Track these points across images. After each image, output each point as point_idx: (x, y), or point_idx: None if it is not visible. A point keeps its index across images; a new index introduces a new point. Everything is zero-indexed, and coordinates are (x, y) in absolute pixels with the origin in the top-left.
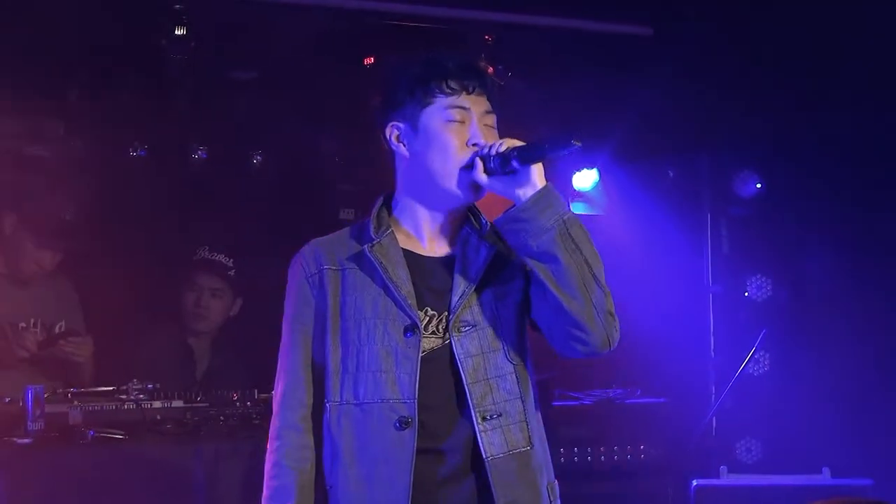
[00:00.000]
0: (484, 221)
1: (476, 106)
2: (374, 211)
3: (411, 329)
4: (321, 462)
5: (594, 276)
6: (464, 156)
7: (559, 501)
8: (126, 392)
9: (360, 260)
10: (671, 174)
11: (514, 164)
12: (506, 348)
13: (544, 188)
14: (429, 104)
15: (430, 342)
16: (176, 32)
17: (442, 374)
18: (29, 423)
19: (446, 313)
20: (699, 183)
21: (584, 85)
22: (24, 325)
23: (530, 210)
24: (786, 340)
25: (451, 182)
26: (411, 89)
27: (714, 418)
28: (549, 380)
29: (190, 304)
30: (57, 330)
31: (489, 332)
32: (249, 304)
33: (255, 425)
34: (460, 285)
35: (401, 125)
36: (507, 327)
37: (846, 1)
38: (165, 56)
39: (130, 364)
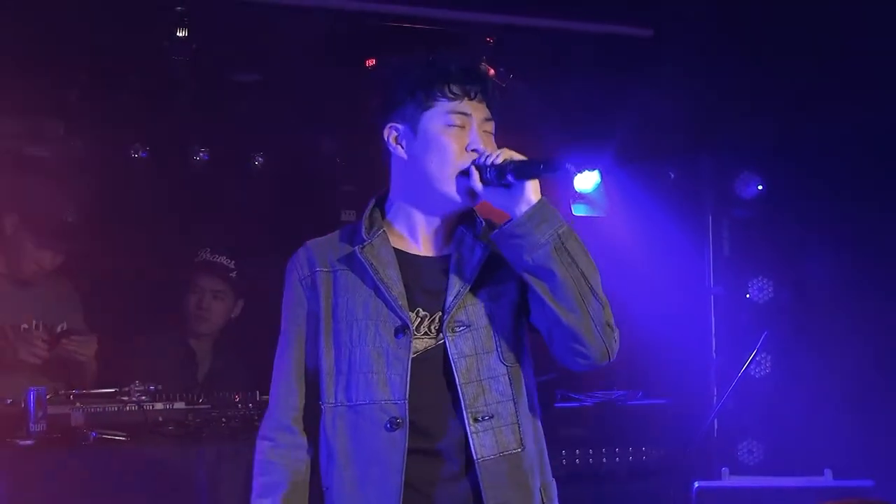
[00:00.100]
0: (479, 221)
1: (477, 112)
2: (366, 212)
3: (402, 330)
4: (317, 463)
5: (591, 288)
6: (462, 161)
7: (555, 503)
8: (128, 394)
9: (351, 261)
10: (672, 175)
11: (510, 177)
12: (500, 350)
13: (539, 203)
14: (430, 107)
15: (422, 343)
16: (178, 34)
17: (435, 374)
18: (31, 424)
19: (440, 313)
20: (700, 184)
21: (586, 86)
22: (25, 326)
23: (525, 225)
24: (787, 342)
25: (448, 186)
26: (412, 92)
27: (716, 420)
28: (551, 381)
29: (191, 305)
30: (58, 330)
31: (483, 332)
32: (251, 305)
33: (257, 427)
34: (455, 285)
35: (399, 127)
36: (501, 328)
37: (847, 1)
38: (167, 57)
39: (132, 366)
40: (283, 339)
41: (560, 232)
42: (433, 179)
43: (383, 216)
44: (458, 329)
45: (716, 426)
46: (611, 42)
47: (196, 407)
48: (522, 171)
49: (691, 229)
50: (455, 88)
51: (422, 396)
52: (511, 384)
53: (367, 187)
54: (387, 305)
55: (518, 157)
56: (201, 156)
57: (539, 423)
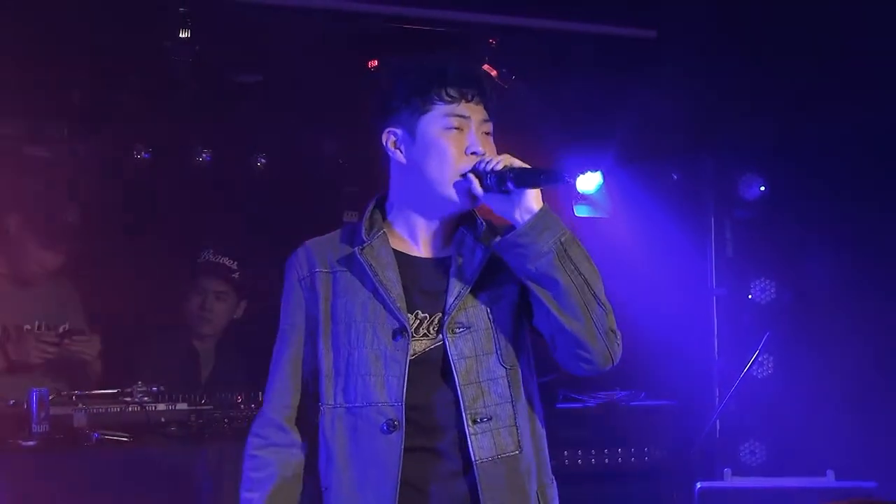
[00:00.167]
0: (480, 222)
1: (474, 114)
2: (367, 213)
3: (400, 332)
4: (316, 464)
5: (594, 295)
6: (462, 164)
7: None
8: (131, 395)
9: (350, 262)
10: (675, 177)
11: (510, 185)
12: (499, 352)
13: (541, 211)
14: (427, 112)
15: (420, 344)
16: (180, 35)
17: (434, 375)
18: (34, 425)
19: (439, 314)
20: (703, 185)
21: (588, 88)
22: (28, 326)
23: (528, 235)
24: (789, 343)
25: (448, 190)
26: (408, 97)
27: (718, 421)
28: (554, 382)
29: (194, 307)
30: (60, 331)
31: (483, 334)
32: (254, 306)
33: None
34: (455, 286)
35: (398, 131)
36: (501, 330)
37: (848, 1)
38: (169, 58)
39: (135, 367)
40: (281, 337)
41: (563, 240)
42: (433, 183)
43: (384, 217)
44: (458, 330)
45: (718, 427)
46: (612, 43)
47: (198, 408)
48: (522, 180)
49: (693, 230)
50: (451, 91)
51: (420, 397)
52: (510, 386)
53: (369, 188)
54: (385, 308)
55: (518, 163)
56: (203, 157)
57: (539, 425)
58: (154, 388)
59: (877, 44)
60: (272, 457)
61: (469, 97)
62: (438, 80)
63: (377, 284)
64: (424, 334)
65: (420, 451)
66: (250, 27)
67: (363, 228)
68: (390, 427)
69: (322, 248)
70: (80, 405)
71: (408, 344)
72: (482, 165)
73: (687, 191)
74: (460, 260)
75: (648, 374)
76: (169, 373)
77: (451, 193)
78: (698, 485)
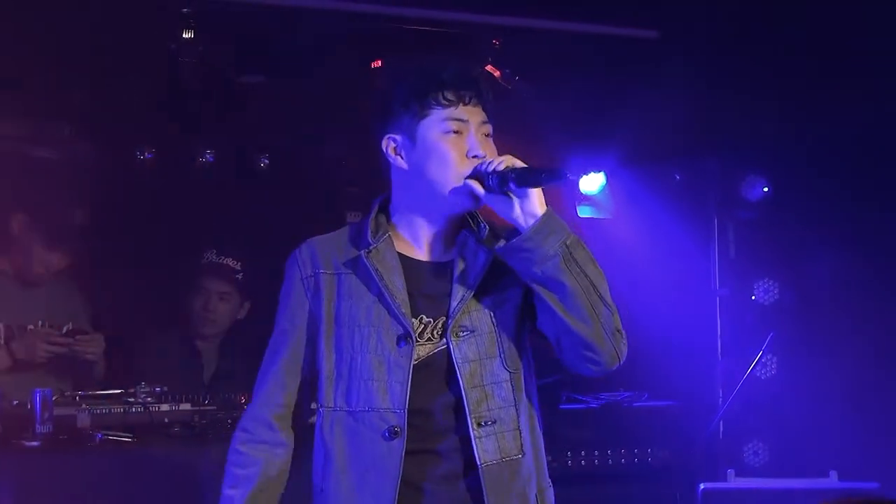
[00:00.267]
0: (483, 225)
1: (473, 116)
2: (372, 214)
3: (404, 338)
4: (311, 464)
5: (601, 296)
6: (463, 167)
7: None
8: (134, 395)
9: (355, 265)
10: (678, 177)
11: (512, 185)
12: (503, 355)
13: (545, 215)
14: (425, 116)
15: (424, 349)
16: (184, 36)
17: (438, 378)
18: (37, 425)
19: (443, 318)
20: (706, 186)
21: (591, 88)
22: (31, 326)
23: (533, 239)
24: (793, 344)
25: (450, 193)
26: (406, 102)
27: (721, 422)
28: (557, 383)
29: (198, 307)
30: (64, 331)
31: (487, 338)
32: (257, 307)
33: None
34: (459, 290)
35: (397, 137)
36: (505, 334)
37: (852, 2)
38: (173, 59)
39: (138, 367)
40: (279, 334)
41: (568, 243)
42: (435, 186)
43: (388, 219)
44: (462, 334)
45: (721, 427)
46: (615, 43)
47: (202, 408)
48: (524, 179)
49: (696, 231)
50: (449, 95)
51: (425, 400)
52: (513, 390)
53: (373, 189)
54: (390, 312)
55: (520, 164)
56: (207, 157)
57: (538, 428)
58: (157, 389)
59: (880, 44)
60: (257, 455)
61: (467, 100)
62: (435, 84)
63: (382, 289)
64: (428, 339)
65: (420, 454)
66: (254, 28)
67: (369, 231)
68: (392, 434)
69: (326, 249)
70: (84, 405)
71: (412, 350)
72: (483, 167)
73: (690, 191)
74: (463, 263)
75: (651, 374)
76: (172, 373)
77: (454, 196)
78: (701, 485)
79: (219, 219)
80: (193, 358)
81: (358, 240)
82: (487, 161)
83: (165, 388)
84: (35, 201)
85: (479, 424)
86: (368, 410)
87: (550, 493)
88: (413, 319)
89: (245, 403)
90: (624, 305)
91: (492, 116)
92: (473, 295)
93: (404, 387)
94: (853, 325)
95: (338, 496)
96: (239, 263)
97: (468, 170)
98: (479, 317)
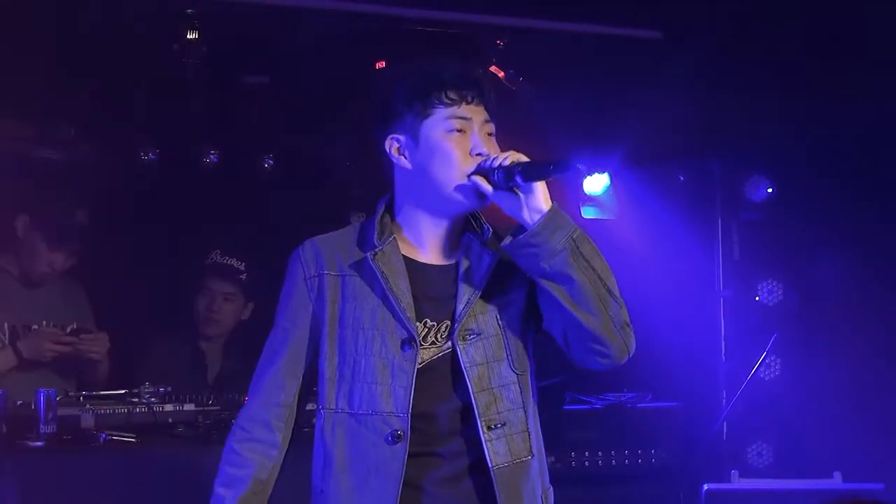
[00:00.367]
0: (486, 228)
1: (476, 115)
2: (377, 216)
3: (408, 342)
4: (311, 465)
5: (609, 290)
6: (467, 166)
7: None
8: (138, 395)
9: (360, 267)
10: (682, 178)
11: (518, 179)
12: (510, 358)
13: (551, 210)
14: (428, 115)
15: (428, 352)
16: (188, 36)
17: (442, 382)
18: (41, 426)
19: (448, 322)
20: (710, 187)
21: (595, 89)
22: (36, 326)
23: (540, 234)
24: (797, 345)
25: (455, 192)
26: (409, 102)
27: (725, 422)
28: (561, 383)
29: (202, 308)
30: (69, 330)
31: (494, 341)
32: (261, 308)
33: None
34: (465, 294)
35: (401, 138)
36: (511, 336)
37: (858, 3)
38: (177, 60)
39: (142, 367)
40: (280, 333)
41: (574, 237)
42: (439, 185)
43: (392, 220)
44: (469, 338)
45: (725, 428)
46: (620, 45)
47: (206, 409)
48: (531, 173)
49: (700, 232)
50: (451, 94)
51: (426, 405)
52: (521, 392)
53: (377, 190)
54: (394, 316)
55: (525, 159)
56: (211, 158)
57: (540, 429)
58: (161, 389)
59: (885, 45)
60: (252, 455)
61: (469, 99)
62: (437, 83)
63: (387, 292)
64: (432, 342)
65: (423, 457)
66: (258, 29)
67: (374, 232)
68: (395, 438)
69: (331, 249)
70: (88, 406)
71: (416, 354)
72: (488, 163)
73: (694, 192)
74: (467, 266)
75: (655, 375)
76: (176, 374)
77: (458, 194)
78: (705, 486)
79: (223, 219)
80: (197, 358)
81: (363, 241)
82: (492, 157)
83: (169, 389)
84: (39, 202)
85: (488, 428)
86: (371, 414)
87: (551, 494)
88: (417, 323)
89: None
90: (627, 306)
91: (494, 116)
92: (479, 298)
93: (408, 391)
94: (858, 325)
95: (338, 497)
96: (243, 264)
97: (472, 168)
98: (486, 320)
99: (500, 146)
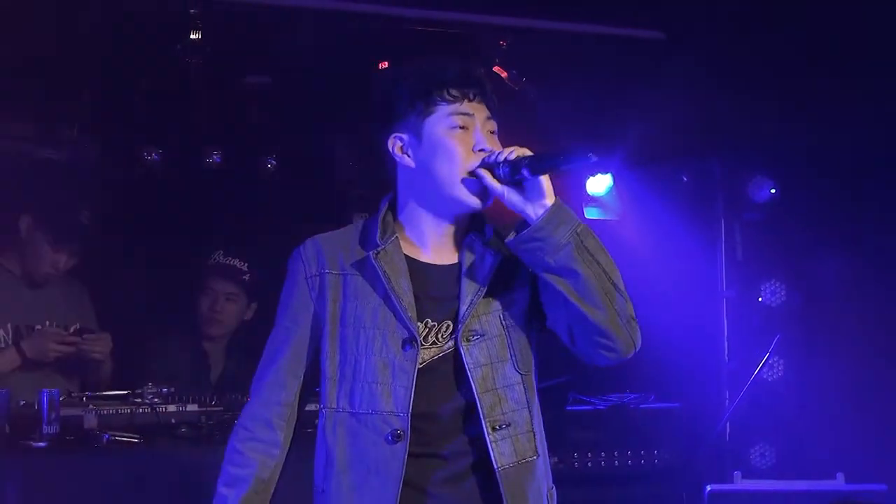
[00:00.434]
0: (488, 228)
1: (478, 112)
2: (380, 215)
3: (409, 342)
4: (312, 464)
5: (614, 284)
6: (470, 162)
7: None
8: (141, 396)
9: (362, 266)
10: (685, 179)
11: (525, 172)
12: (514, 358)
13: (555, 205)
14: (431, 113)
15: (429, 352)
16: (191, 37)
17: (445, 382)
18: (44, 426)
19: (449, 322)
20: (713, 188)
21: (598, 89)
22: (39, 326)
23: (545, 229)
24: (800, 346)
25: (458, 189)
26: (411, 100)
27: (728, 423)
28: (564, 384)
29: (205, 308)
30: (72, 330)
31: (497, 341)
32: (264, 308)
33: None
34: (468, 294)
35: (403, 136)
36: (515, 336)
37: (861, 3)
38: (180, 60)
39: (145, 368)
40: (281, 332)
41: (579, 231)
42: (443, 183)
43: (395, 219)
44: (472, 339)
45: (728, 429)
46: (623, 45)
47: (209, 409)
48: (540, 165)
49: (703, 232)
50: (453, 91)
51: (427, 405)
52: (525, 392)
53: (380, 190)
54: (396, 316)
55: (529, 153)
56: (214, 158)
57: (543, 428)
58: (164, 390)
59: (889, 46)
60: (255, 455)
61: (471, 96)
62: (439, 81)
63: (389, 292)
64: (433, 342)
65: (424, 457)
66: (261, 29)
67: (377, 231)
68: (395, 437)
69: (332, 248)
70: (91, 406)
71: (416, 354)
72: (493, 158)
73: (696, 193)
74: (470, 266)
75: (658, 376)
76: (179, 374)
77: (461, 192)
78: (708, 487)
79: (226, 220)
80: (200, 359)
81: (365, 240)
82: (497, 152)
83: (172, 389)
84: (42, 202)
85: (493, 428)
86: (372, 413)
87: (555, 493)
88: (418, 323)
89: None
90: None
91: (496, 114)
92: (482, 298)
93: (408, 391)
94: (860, 326)
95: (339, 497)
96: (246, 264)
97: (475, 164)
98: (489, 320)
99: (501, 145)
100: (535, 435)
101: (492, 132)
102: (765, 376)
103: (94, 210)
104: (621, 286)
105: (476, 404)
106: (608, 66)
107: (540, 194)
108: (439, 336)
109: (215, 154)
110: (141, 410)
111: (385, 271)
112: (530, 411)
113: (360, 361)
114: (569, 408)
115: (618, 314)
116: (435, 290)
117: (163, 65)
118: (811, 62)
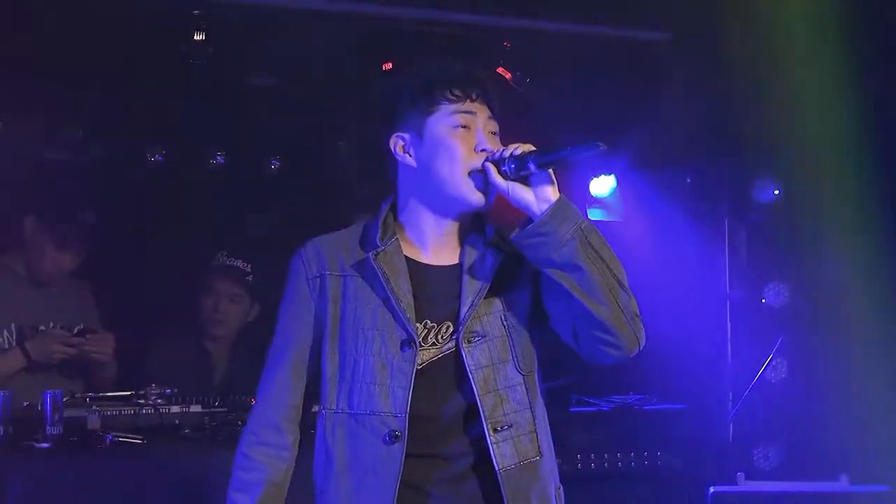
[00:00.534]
0: (489, 228)
1: (480, 112)
2: (381, 216)
3: (408, 343)
4: (312, 465)
5: (618, 280)
6: (472, 162)
7: None
8: (144, 397)
9: (362, 267)
10: (689, 180)
11: (531, 166)
12: (515, 359)
13: (559, 201)
14: (433, 112)
15: (428, 353)
16: (195, 38)
17: (445, 383)
18: (47, 427)
19: (449, 322)
20: (717, 189)
21: (602, 91)
22: (43, 327)
23: (549, 224)
24: (803, 347)
25: (460, 188)
26: (414, 100)
27: (731, 425)
28: (567, 385)
29: (208, 309)
30: (75, 331)
31: (499, 342)
32: (267, 309)
33: None
34: (469, 295)
35: (405, 136)
36: (516, 337)
37: (864, 4)
38: (184, 61)
39: (149, 369)
40: (282, 333)
41: (583, 227)
42: (445, 183)
43: (395, 220)
44: (473, 340)
45: (731, 431)
46: (628, 47)
47: (212, 410)
48: (546, 159)
49: (707, 234)
50: (456, 91)
51: (425, 406)
52: (528, 392)
53: (383, 191)
54: (395, 317)
55: (534, 148)
56: (218, 159)
57: (549, 429)
58: (168, 391)
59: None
60: (264, 459)
61: (473, 96)
62: (441, 81)
63: (389, 293)
64: (433, 343)
65: (424, 458)
66: (265, 30)
67: (378, 233)
68: (392, 438)
69: (333, 249)
70: (94, 407)
71: (415, 355)
72: (498, 154)
73: (700, 194)
74: (471, 267)
75: (662, 377)
76: (182, 375)
77: (463, 191)
78: (711, 489)
79: (229, 221)
80: (204, 360)
81: (366, 241)
82: (502, 149)
83: (176, 390)
84: (46, 202)
85: (495, 430)
86: (370, 414)
87: (562, 493)
88: (417, 324)
89: None
90: None
91: (497, 115)
92: (483, 299)
93: (406, 391)
94: (864, 328)
95: (338, 497)
96: (249, 265)
97: (477, 163)
98: (490, 321)
99: (502, 146)
100: (537, 435)
101: (493, 133)
102: (768, 377)
103: (99, 211)
104: (625, 283)
105: (477, 405)
106: (614, 68)
107: (544, 190)
108: (439, 337)
109: (219, 155)
110: (144, 411)
111: (384, 272)
112: (532, 412)
113: (359, 362)
114: (572, 409)
115: (622, 310)
116: (435, 290)
117: (167, 66)
118: (815, 63)
